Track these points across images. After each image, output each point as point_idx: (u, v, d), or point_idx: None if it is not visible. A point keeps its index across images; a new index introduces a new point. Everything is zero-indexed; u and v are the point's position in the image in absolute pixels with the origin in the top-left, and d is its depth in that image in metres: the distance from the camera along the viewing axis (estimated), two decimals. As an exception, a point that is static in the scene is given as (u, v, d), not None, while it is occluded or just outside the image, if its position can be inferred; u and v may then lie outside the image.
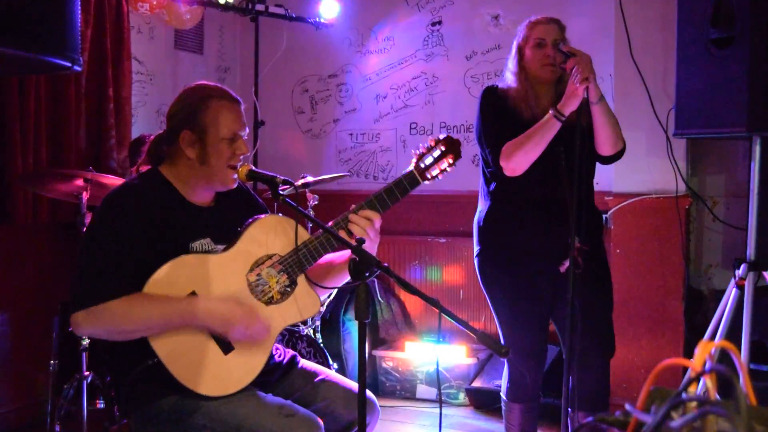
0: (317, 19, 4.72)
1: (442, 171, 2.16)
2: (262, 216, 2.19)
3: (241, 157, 2.14)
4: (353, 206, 2.15)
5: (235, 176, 2.13)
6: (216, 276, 2.05)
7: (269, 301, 2.10)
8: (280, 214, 2.22)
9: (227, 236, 2.13)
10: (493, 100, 2.72)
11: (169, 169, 2.15)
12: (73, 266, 2.02)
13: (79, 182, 3.15)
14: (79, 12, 1.81)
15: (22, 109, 3.62)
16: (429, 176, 2.15)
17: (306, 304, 2.15)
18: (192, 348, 2.00)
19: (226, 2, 4.31)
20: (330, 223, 2.11)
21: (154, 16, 4.42)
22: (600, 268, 2.74)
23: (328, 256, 2.22)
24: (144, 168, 2.22)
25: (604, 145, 2.64)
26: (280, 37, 4.96)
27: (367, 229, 2.10)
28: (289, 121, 5.23)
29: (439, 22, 4.78)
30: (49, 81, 3.76)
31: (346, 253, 2.18)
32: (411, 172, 2.15)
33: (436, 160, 2.15)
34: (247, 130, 2.19)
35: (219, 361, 2.02)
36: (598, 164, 2.76)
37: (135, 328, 1.94)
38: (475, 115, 2.77)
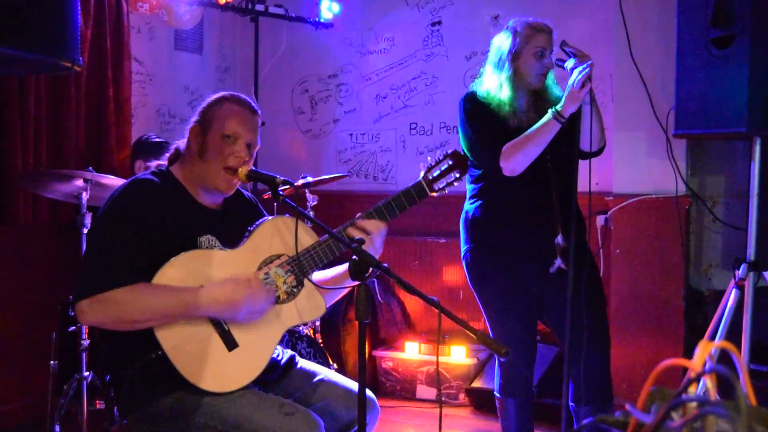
0: (317, 19, 4.72)
1: (449, 184, 2.22)
2: (273, 216, 2.20)
3: (240, 161, 2.12)
4: (359, 213, 2.17)
5: (235, 181, 2.13)
6: (224, 272, 2.05)
7: (275, 301, 2.11)
8: (287, 215, 2.22)
9: (233, 238, 2.14)
10: (477, 107, 2.74)
11: (179, 170, 2.18)
12: (80, 259, 2.04)
13: (79, 182, 3.15)
14: (79, 12, 1.81)
15: (22, 109, 3.62)
16: (437, 188, 2.21)
17: (311, 306, 2.16)
18: (196, 343, 2.01)
19: (226, 2, 4.31)
20: (336, 230, 2.12)
21: (153, 17, 4.42)
22: (589, 264, 2.75)
23: (335, 270, 2.24)
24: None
25: (588, 143, 2.67)
26: (279, 37, 4.96)
27: (373, 235, 2.13)
28: (289, 121, 5.23)
29: (439, 23, 4.78)
30: (49, 81, 3.76)
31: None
32: (420, 182, 2.20)
33: (443, 174, 2.20)
34: (258, 142, 2.18)
35: (222, 358, 2.03)
36: (592, 165, 2.78)
37: (139, 318, 1.95)
38: (460, 121, 2.78)
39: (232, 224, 2.18)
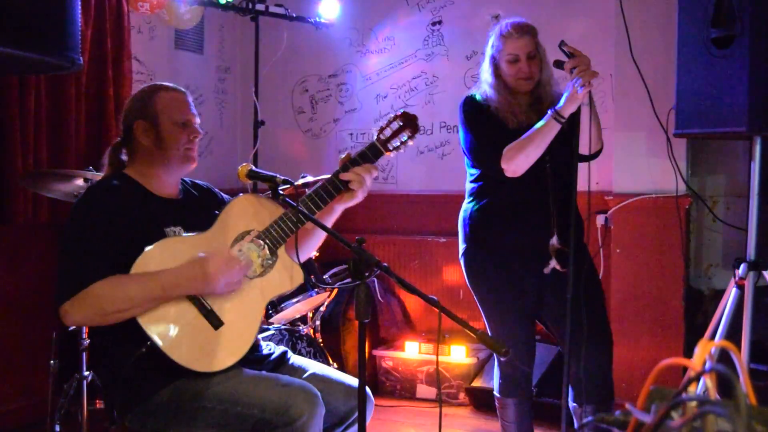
0: (317, 19, 4.71)
1: (403, 143, 2.28)
2: (238, 195, 2.28)
3: (197, 139, 2.25)
4: (330, 175, 2.27)
5: (193, 154, 2.24)
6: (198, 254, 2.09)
7: (252, 274, 2.16)
8: (256, 194, 2.32)
9: (197, 225, 2.19)
10: (476, 110, 2.76)
11: (131, 169, 2.24)
12: (57, 260, 2.09)
13: (79, 182, 3.15)
14: (79, 12, 1.81)
15: (22, 109, 3.62)
16: (391, 147, 2.27)
17: (289, 275, 2.22)
18: (182, 327, 2.04)
19: (226, 2, 4.31)
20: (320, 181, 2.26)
21: (154, 16, 4.42)
22: (587, 264, 2.75)
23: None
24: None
25: (586, 145, 2.68)
26: (280, 37, 4.96)
27: (365, 177, 2.22)
28: (290, 121, 5.23)
29: (440, 22, 4.78)
30: (49, 81, 3.75)
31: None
32: (374, 143, 2.27)
33: (395, 133, 2.26)
34: (198, 119, 2.29)
35: (210, 337, 2.06)
36: (593, 165, 2.79)
37: (121, 307, 1.98)
38: (460, 124, 2.80)
39: (193, 212, 2.25)
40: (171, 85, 2.31)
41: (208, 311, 2.07)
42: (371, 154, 2.26)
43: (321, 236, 2.39)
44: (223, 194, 2.47)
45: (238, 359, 2.08)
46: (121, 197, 2.14)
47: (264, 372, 2.14)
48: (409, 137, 2.27)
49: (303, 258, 2.35)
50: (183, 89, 2.31)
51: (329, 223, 2.33)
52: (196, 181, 2.44)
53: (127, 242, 2.04)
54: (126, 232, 2.06)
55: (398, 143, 2.27)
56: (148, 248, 2.04)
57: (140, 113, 2.22)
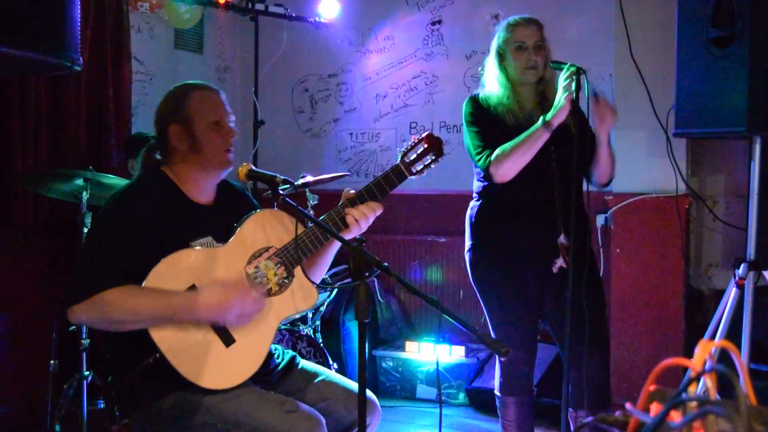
0: (317, 19, 4.72)
1: (427, 166, 2.24)
2: (258, 210, 2.23)
3: (233, 140, 2.18)
4: (344, 200, 2.19)
5: (230, 156, 2.17)
6: (215, 269, 2.07)
7: (268, 293, 2.13)
8: (275, 208, 2.26)
9: (228, 234, 2.14)
10: (476, 110, 2.77)
11: (169, 169, 2.19)
12: (75, 259, 2.05)
13: (79, 182, 3.15)
14: (79, 12, 1.81)
15: (22, 109, 3.62)
16: (414, 170, 2.23)
17: (304, 296, 2.19)
18: (194, 342, 2.01)
19: (226, 2, 4.31)
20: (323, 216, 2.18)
21: (153, 16, 4.42)
22: (589, 267, 2.75)
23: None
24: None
25: (601, 176, 2.74)
26: (279, 37, 4.96)
27: (369, 216, 2.16)
28: (289, 121, 5.23)
29: (439, 22, 4.78)
30: (49, 81, 3.75)
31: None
32: (398, 166, 2.22)
33: (420, 156, 2.23)
34: (233, 117, 2.22)
35: (221, 354, 2.03)
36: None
37: (128, 318, 1.96)
38: (462, 125, 2.83)
39: (227, 219, 2.20)
40: (203, 83, 2.24)
41: (220, 328, 2.04)
42: (395, 177, 2.20)
43: (330, 257, 2.33)
44: (253, 199, 2.40)
45: (246, 378, 2.05)
46: (155, 204, 2.08)
47: (271, 392, 2.10)
48: (433, 160, 2.24)
49: (317, 279, 2.31)
50: (215, 87, 2.23)
51: (330, 254, 2.30)
52: (231, 183, 2.36)
53: (151, 251, 2.00)
54: (152, 241, 2.02)
55: (421, 166, 2.23)
56: (164, 259, 1.99)
57: (174, 116, 2.14)
